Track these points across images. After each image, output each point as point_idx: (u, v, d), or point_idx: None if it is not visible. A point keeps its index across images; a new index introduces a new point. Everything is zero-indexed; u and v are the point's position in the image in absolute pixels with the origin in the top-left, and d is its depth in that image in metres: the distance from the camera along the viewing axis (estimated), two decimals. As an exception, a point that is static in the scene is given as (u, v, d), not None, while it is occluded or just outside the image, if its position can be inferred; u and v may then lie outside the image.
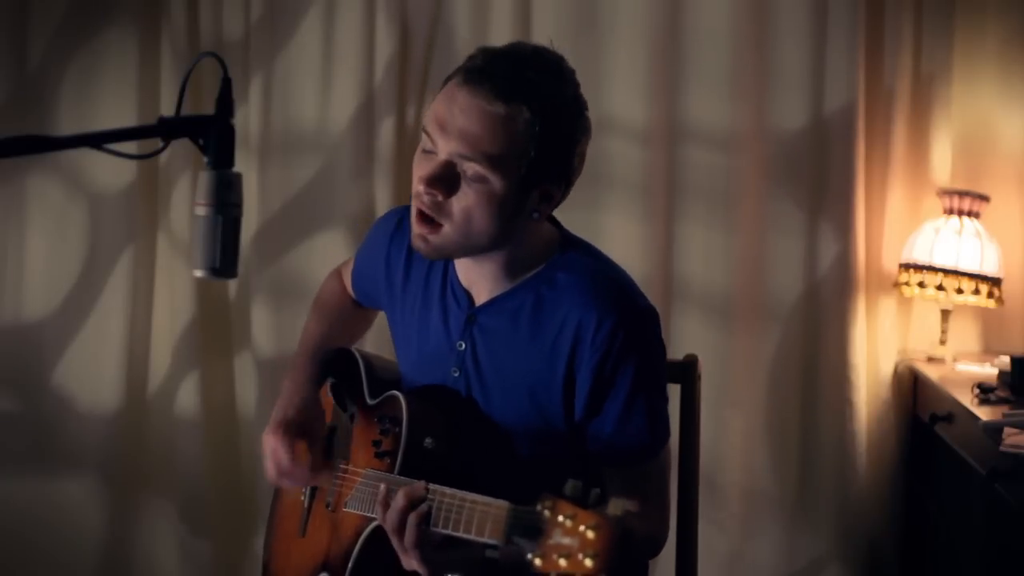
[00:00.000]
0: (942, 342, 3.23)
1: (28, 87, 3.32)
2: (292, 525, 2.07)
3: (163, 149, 1.47)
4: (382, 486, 1.73)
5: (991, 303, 3.15)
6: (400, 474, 1.81)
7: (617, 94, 3.27)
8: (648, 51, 3.25)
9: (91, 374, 3.36)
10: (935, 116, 3.24)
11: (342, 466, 1.98)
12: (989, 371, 3.00)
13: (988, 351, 3.28)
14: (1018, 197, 3.29)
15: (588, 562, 1.35)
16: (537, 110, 1.73)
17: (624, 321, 1.82)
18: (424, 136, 1.78)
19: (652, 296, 3.16)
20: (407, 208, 1.88)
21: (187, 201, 3.31)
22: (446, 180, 1.75)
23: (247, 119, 3.33)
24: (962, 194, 3.18)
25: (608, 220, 3.25)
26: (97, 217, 3.35)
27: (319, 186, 3.36)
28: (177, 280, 3.38)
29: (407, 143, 3.30)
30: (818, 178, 3.26)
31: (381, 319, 2.30)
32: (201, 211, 1.44)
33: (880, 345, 3.27)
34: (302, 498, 2.06)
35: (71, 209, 3.35)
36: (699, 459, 2.19)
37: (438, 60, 3.29)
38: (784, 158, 3.26)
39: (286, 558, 2.07)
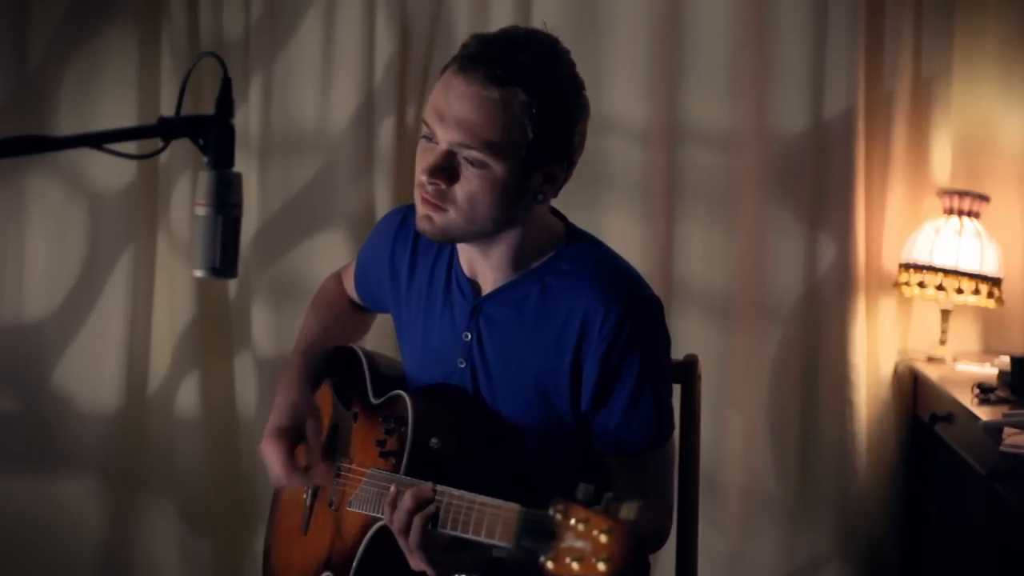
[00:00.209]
0: (942, 342, 3.23)
1: (28, 87, 3.32)
2: (293, 524, 2.07)
3: (163, 149, 1.47)
4: (392, 487, 1.73)
5: (991, 303, 3.15)
6: (406, 474, 1.80)
7: (617, 94, 3.27)
8: (648, 51, 3.25)
9: (91, 374, 3.36)
10: (935, 116, 3.24)
11: (345, 465, 1.98)
12: (989, 371, 3.00)
13: (988, 351, 3.28)
14: (1018, 197, 3.29)
15: (601, 566, 1.34)
16: (533, 92, 1.74)
17: (630, 311, 1.83)
18: (424, 127, 1.80)
19: (655, 296, 3.19)
20: (410, 207, 1.89)
21: (187, 201, 3.31)
22: (448, 169, 1.77)
23: (247, 119, 3.33)
24: (962, 194, 3.18)
25: (608, 220, 3.25)
26: (97, 217, 3.35)
27: (319, 186, 3.36)
28: (177, 280, 3.38)
29: (407, 143, 3.30)
30: (818, 178, 3.26)
31: (380, 320, 2.30)
32: (201, 211, 1.44)
33: (880, 345, 3.27)
34: (304, 497, 2.06)
35: (71, 209, 3.35)
36: (699, 459, 2.19)
37: (438, 59, 3.29)
38: (784, 158, 3.26)
39: (287, 557, 2.07)
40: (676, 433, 2.14)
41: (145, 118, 3.29)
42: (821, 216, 3.26)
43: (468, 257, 1.91)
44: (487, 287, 1.91)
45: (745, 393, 3.28)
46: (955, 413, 2.78)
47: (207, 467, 3.38)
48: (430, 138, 1.79)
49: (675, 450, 1.94)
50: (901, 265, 3.22)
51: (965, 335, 3.31)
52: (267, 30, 3.35)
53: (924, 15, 3.23)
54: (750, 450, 3.29)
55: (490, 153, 1.74)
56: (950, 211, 3.19)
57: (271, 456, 1.96)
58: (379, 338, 2.63)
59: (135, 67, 3.33)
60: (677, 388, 2.18)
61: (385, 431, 1.90)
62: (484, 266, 1.90)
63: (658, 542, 1.90)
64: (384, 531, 1.74)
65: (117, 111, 3.31)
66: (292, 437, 1.97)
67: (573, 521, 1.38)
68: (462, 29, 3.27)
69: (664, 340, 1.90)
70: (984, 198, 3.20)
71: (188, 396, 3.36)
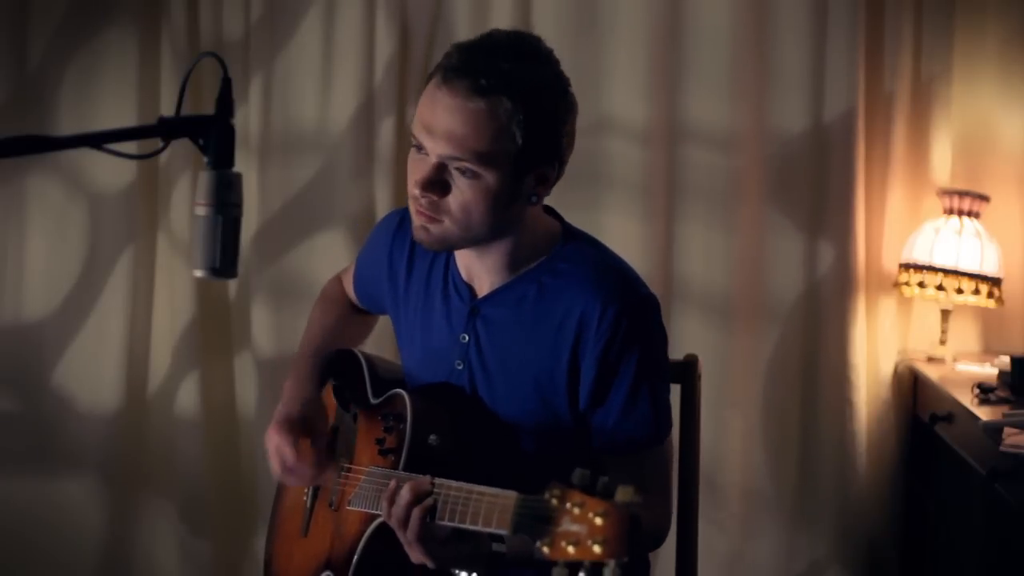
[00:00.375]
0: (942, 342, 3.23)
1: (28, 87, 3.32)
2: (294, 525, 2.07)
3: (163, 149, 1.47)
4: (392, 481, 1.74)
5: (991, 303, 3.15)
6: (405, 471, 1.81)
7: (617, 94, 3.27)
8: (648, 51, 3.25)
9: (91, 374, 3.36)
10: (935, 116, 3.24)
11: (345, 465, 1.98)
12: (989, 371, 3.00)
13: (988, 351, 3.28)
14: (1018, 197, 3.29)
15: (597, 548, 1.35)
16: (518, 98, 1.74)
17: (627, 309, 1.83)
18: (413, 139, 1.80)
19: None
20: (408, 209, 1.89)
21: (187, 201, 3.31)
22: (439, 182, 1.77)
23: (247, 119, 3.33)
24: (962, 194, 3.18)
25: (608, 220, 3.25)
26: (97, 217, 3.35)
27: (319, 186, 3.36)
28: (177, 280, 3.38)
29: (407, 143, 3.28)
30: (818, 178, 3.26)
31: (381, 323, 2.30)
32: (201, 211, 1.44)
33: (880, 345, 3.27)
34: (304, 498, 2.06)
35: (71, 209, 3.35)
36: (699, 459, 2.19)
37: (438, 60, 3.27)
38: (784, 158, 3.26)
39: (288, 558, 2.07)
40: (676, 433, 2.14)
41: (145, 118, 3.29)
42: (821, 216, 3.26)
43: (465, 260, 1.92)
44: (484, 289, 1.91)
45: (745, 393, 3.28)
46: (955, 413, 2.78)
47: (207, 467, 3.38)
48: (420, 148, 1.79)
49: (673, 448, 1.94)
50: (901, 265, 3.22)
51: (965, 335, 3.31)
52: (267, 30, 3.35)
53: (924, 15, 3.23)
54: (750, 450, 3.29)
55: (480, 163, 1.75)
56: (950, 211, 3.19)
57: (277, 444, 1.96)
58: (379, 340, 2.63)
59: (135, 67, 3.33)
60: (677, 388, 2.18)
61: (384, 429, 1.90)
62: (481, 269, 1.90)
63: (656, 541, 1.90)
64: (383, 528, 1.74)
65: (117, 111, 3.31)
66: (299, 430, 1.97)
67: (569, 505, 1.39)
68: (462, 29, 3.27)
69: (661, 338, 1.90)
70: (984, 198, 3.20)
71: (188, 396, 3.36)
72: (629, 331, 1.83)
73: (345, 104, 3.33)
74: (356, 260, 2.18)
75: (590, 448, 1.89)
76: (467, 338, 1.91)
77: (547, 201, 1.98)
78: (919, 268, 3.17)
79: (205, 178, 1.45)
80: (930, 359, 3.23)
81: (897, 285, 3.23)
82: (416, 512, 1.67)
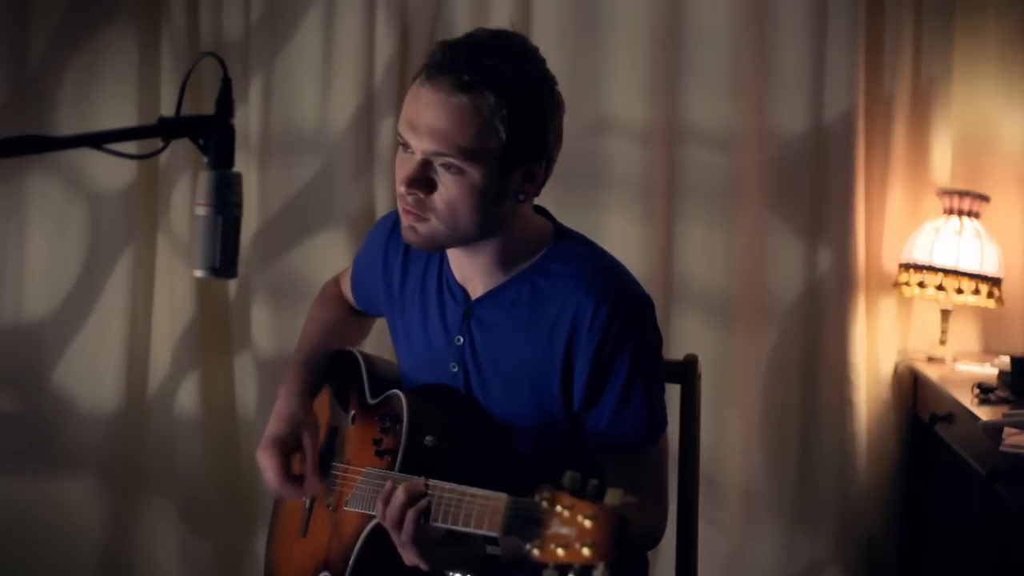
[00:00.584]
0: (942, 342, 3.23)
1: (28, 87, 3.32)
2: (293, 525, 2.07)
3: (163, 149, 1.47)
4: (388, 483, 1.74)
5: (991, 303, 3.15)
6: (401, 472, 1.81)
7: (617, 94, 3.27)
8: (648, 51, 3.25)
9: (91, 374, 3.36)
10: (935, 116, 3.24)
11: (343, 466, 1.98)
12: (989, 371, 3.00)
13: (988, 351, 3.28)
14: (1018, 197, 3.29)
15: (586, 551, 1.36)
16: (501, 94, 1.74)
17: (620, 309, 1.83)
18: (399, 137, 1.80)
19: (652, 296, 3.18)
20: None
21: (187, 201, 3.31)
22: (425, 179, 1.77)
23: (247, 119, 3.33)
24: (962, 194, 3.18)
25: (608, 220, 3.25)
26: (97, 217, 3.35)
27: (319, 186, 3.36)
28: (177, 280, 3.38)
29: (405, 144, 3.30)
30: (818, 178, 3.26)
31: (380, 324, 2.30)
32: (201, 211, 1.44)
33: (880, 345, 3.27)
34: (303, 499, 2.06)
35: (71, 209, 3.35)
36: (699, 459, 2.19)
37: (438, 60, 3.28)
38: (784, 158, 3.26)
39: (288, 559, 2.07)
40: (676, 433, 2.15)
41: (145, 118, 3.29)
42: (821, 216, 3.26)
43: (458, 262, 1.92)
44: (477, 291, 1.91)
45: (745, 393, 3.28)
46: (955, 413, 2.78)
47: (207, 467, 3.38)
48: (406, 147, 1.79)
49: (668, 447, 1.93)
50: (901, 265, 3.22)
51: (965, 335, 3.31)
52: (267, 30, 3.35)
53: (924, 15, 3.23)
54: (750, 450, 3.29)
55: (465, 159, 1.75)
56: (950, 211, 3.19)
57: (267, 465, 1.97)
58: (379, 340, 2.63)
59: (135, 67, 3.33)
60: (677, 388, 2.18)
61: (381, 430, 1.90)
62: (473, 270, 1.90)
63: (652, 539, 1.90)
64: (380, 529, 1.74)
65: (117, 111, 3.31)
66: (289, 447, 1.98)
67: (559, 508, 1.39)
68: (462, 29, 3.23)
69: (654, 337, 1.90)
70: (984, 198, 3.20)
71: (188, 396, 3.36)
72: (622, 330, 1.82)
73: (345, 104, 3.33)
74: (353, 262, 2.18)
75: (585, 448, 1.88)
76: (462, 340, 1.91)
77: (546, 201, 1.98)
78: (919, 268, 3.17)
79: (205, 178, 1.45)
80: (930, 359, 3.23)
81: (897, 285, 3.23)
82: (410, 514, 1.67)
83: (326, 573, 1.90)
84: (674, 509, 2.10)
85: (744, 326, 3.28)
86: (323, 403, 2.10)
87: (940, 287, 3.15)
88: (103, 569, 3.36)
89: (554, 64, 3.30)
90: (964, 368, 3.14)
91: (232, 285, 3.39)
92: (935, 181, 3.25)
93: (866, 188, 3.24)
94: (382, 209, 3.27)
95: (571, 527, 1.38)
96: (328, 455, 2.03)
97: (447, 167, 1.76)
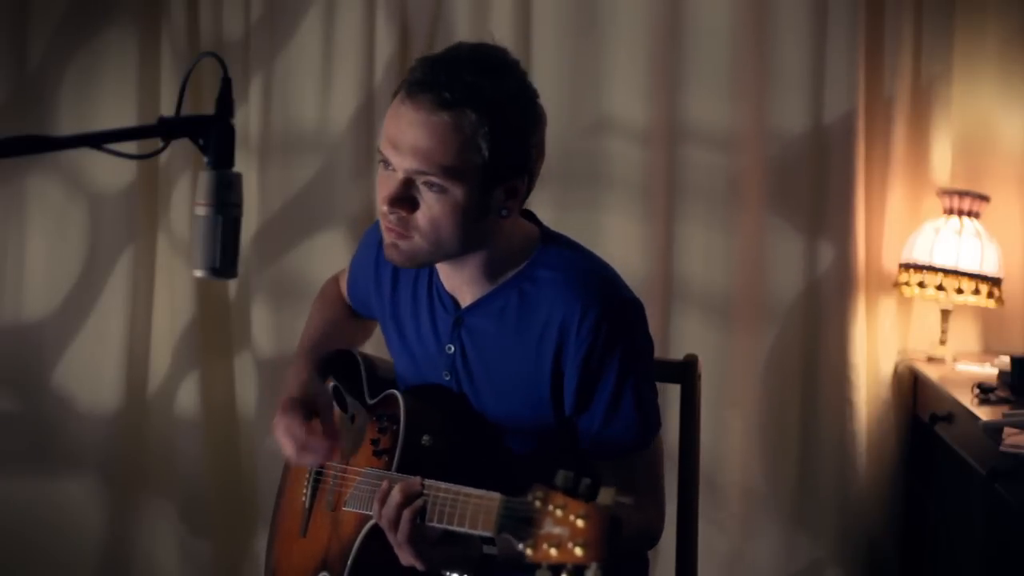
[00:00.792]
0: (942, 342, 3.23)
1: (28, 87, 3.32)
2: (294, 525, 2.07)
3: (163, 149, 1.47)
4: (384, 483, 1.74)
5: (991, 303, 3.15)
6: (398, 471, 1.81)
7: (617, 94, 3.27)
8: (648, 51, 3.25)
9: (91, 374, 3.36)
10: (935, 116, 3.24)
11: (342, 466, 1.98)
12: (989, 371, 3.00)
13: (988, 351, 3.28)
14: (1018, 197, 3.29)
15: (578, 551, 1.36)
16: (482, 111, 1.73)
17: (607, 313, 1.82)
18: (380, 155, 1.79)
19: (652, 296, 3.20)
20: None
21: (187, 201, 3.31)
22: (407, 198, 1.76)
23: (247, 119, 3.33)
24: (962, 194, 3.18)
25: (608, 220, 3.25)
26: (97, 217, 3.35)
27: (319, 186, 3.36)
28: (177, 280, 3.38)
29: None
30: (818, 178, 3.26)
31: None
32: (201, 211, 1.44)
33: (880, 345, 3.27)
34: (303, 498, 2.06)
35: (71, 209, 3.35)
36: (699, 459, 2.19)
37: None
38: (784, 158, 3.26)
39: (288, 558, 2.07)
40: (676, 433, 2.15)
41: (145, 118, 3.29)
42: (821, 216, 3.26)
43: (445, 272, 1.91)
44: (466, 300, 1.91)
45: (745, 393, 3.28)
46: (955, 413, 2.78)
47: (207, 467, 3.38)
48: (387, 165, 1.78)
49: (664, 448, 1.93)
50: (901, 265, 3.22)
51: (965, 335, 3.31)
52: (267, 30, 3.35)
53: (924, 15, 3.23)
54: (750, 450, 3.29)
55: (447, 177, 1.73)
56: (950, 211, 3.19)
57: (287, 424, 1.94)
58: (380, 341, 2.63)
59: (135, 67, 3.33)
60: (677, 388, 2.18)
61: (379, 430, 1.91)
62: (460, 280, 1.90)
63: (649, 540, 1.90)
64: (379, 529, 1.74)
65: (117, 111, 3.31)
66: (305, 409, 1.97)
67: (551, 507, 1.39)
68: (462, 29, 3.27)
69: (644, 340, 1.89)
70: (984, 198, 3.20)
71: (188, 396, 3.36)
72: (610, 335, 1.82)
73: (345, 104, 3.33)
74: (350, 264, 2.18)
75: (579, 451, 1.88)
76: (452, 348, 1.91)
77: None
78: (919, 268, 3.17)
79: (205, 178, 1.45)
80: (930, 359, 3.23)
81: (897, 285, 3.23)
82: (406, 513, 1.67)
83: (325, 573, 1.91)
84: (674, 509, 2.10)
85: (744, 326, 3.28)
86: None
87: (940, 287, 3.15)
88: (103, 569, 3.37)
89: (554, 64, 3.35)
90: (964, 368, 3.14)
91: (232, 285, 3.40)
92: (935, 181, 3.25)
93: (866, 188, 3.24)
94: (382, 209, 3.26)
95: (564, 527, 1.38)
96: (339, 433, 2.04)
97: (429, 185, 1.75)
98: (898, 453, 3.27)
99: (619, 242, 3.20)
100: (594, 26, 3.28)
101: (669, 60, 3.26)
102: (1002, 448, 2.35)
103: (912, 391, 3.25)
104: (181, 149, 3.05)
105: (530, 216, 1.95)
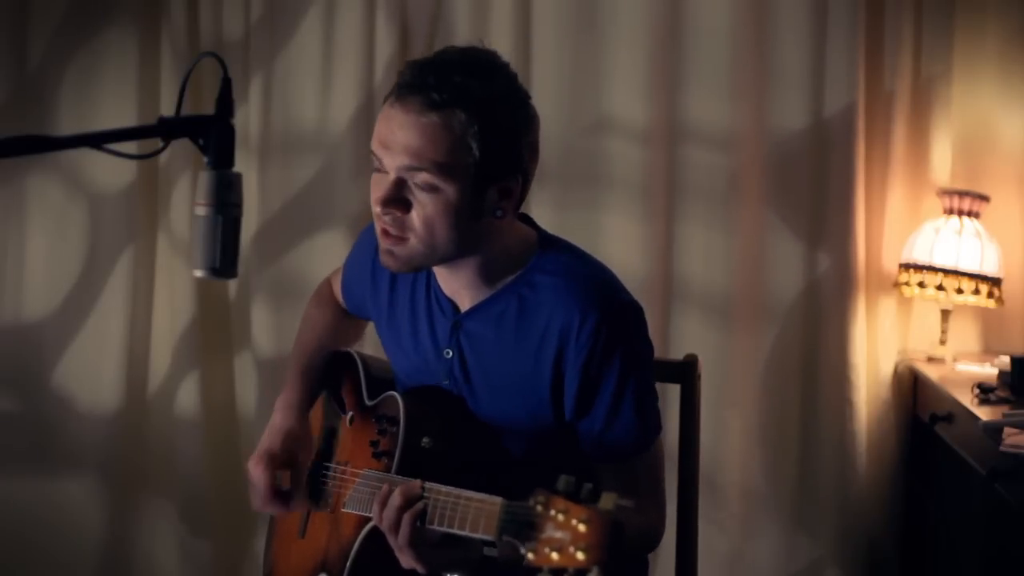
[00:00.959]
0: (942, 342, 3.23)
1: (28, 87, 3.32)
2: (292, 526, 2.07)
3: (163, 149, 1.47)
4: (384, 486, 1.74)
5: (991, 303, 3.15)
6: (398, 474, 1.81)
7: (617, 94, 3.27)
8: (648, 51, 3.25)
9: (91, 374, 3.36)
10: (935, 116, 3.24)
11: (341, 467, 1.98)
12: (989, 371, 3.00)
13: (988, 351, 3.28)
14: (1018, 197, 3.29)
15: (580, 555, 1.36)
16: (472, 110, 1.73)
17: (607, 317, 1.82)
18: (373, 158, 1.79)
19: (652, 296, 3.20)
20: None
21: (187, 201, 3.31)
22: (400, 198, 1.76)
23: (247, 119, 3.33)
24: (962, 194, 3.18)
25: (608, 220, 3.25)
26: (97, 217, 3.35)
27: (319, 186, 3.36)
28: (177, 280, 3.38)
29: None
30: (818, 178, 3.26)
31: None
32: (201, 211, 1.44)
33: (880, 345, 3.27)
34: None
35: (71, 209, 3.35)
36: (699, 459, 2.19)
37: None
38: (784, 158, 3.26)
39: (286, 559, 2.07)
40: (676, 433, 2.15)
41: (145, 118, 3.29)
42: (821, 216, 3.26)
43: (443, 276, 1.91)
44: (465, 304, 1.90)
45: (745, 393, 3.28)
46: (955, 413, 2.78)
47: (207, 467, 3.38)
48: (380, 167, 1.78)
49: (664, 451, 1.93)
50: (901, 265, 3.22)
51: (965, 335, 3.31)
52: (267, 30, 3.35)
53: (924, 15, 3.23)
54: (750, 450, 3.29)
55: (439, 174, 1.73)
56: (950, 211, 3.19)
57: (257, 479, 1.97)
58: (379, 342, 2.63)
59: (135, 67, 3.33)
60: (677, 388, 2.18)
61: (378, 431, 1.90)
62: (457, 285, 1.89)
63: (650, 542, 1.90)
64: (378, 530, 1.74)
65: (117, 111, 3.31)
66: (280, 463, 1.98)
67: (553, 512, 1.39)
68: (462, 29, 3.27)
69: (643, 344, 1.89)
70: (984, 198, 3.20)
71: (188, 396, 3.36)
72: (610, 340, 1.81)
73: (345, 104, 3.33)
74: (343, 267, 2.17)
75: (579, 452, 1.88)
76: (451, 353, 1.91)
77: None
78: (919, 268, 3.17)
79: (205, 178, 1.44)
80: (930, 359, 3.23)
81: (897, 285, 3.23)
82: (407, 517, 1.67)
83: (324, 574, 1.90)
84: (674, 509, 2.10)
85: (744, 326, 3.28)
86: (318, 406, 2.10)
87: (940, 287, 3.15)
88: (103, 569, 3.36)
89: (554, 64, 3.35)
90: (964, 368, 3.14)
91: (232, 285, 3.40)
92: (935, 181, 3.25)
93: (866, 188, 3.24)
94: (382, 209, 3.26)
95: (565, 531, 1.38)
96: (325, 457, 2.03)
97: (421, 186, 1.75)
98: (898, 453, 3.27)
99: (619, 242, 3.20)
100: (594, 26, 3.28)
101: (669, 60, 3.26)
102: (1002, 448, 2.35)
103: (912, 391, 3.25)
104: (181, 149, 3.04)
105: (528, 221, 1.94)
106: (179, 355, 3.38)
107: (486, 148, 1.74)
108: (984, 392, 2.76)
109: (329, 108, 3.35)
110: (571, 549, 1.36)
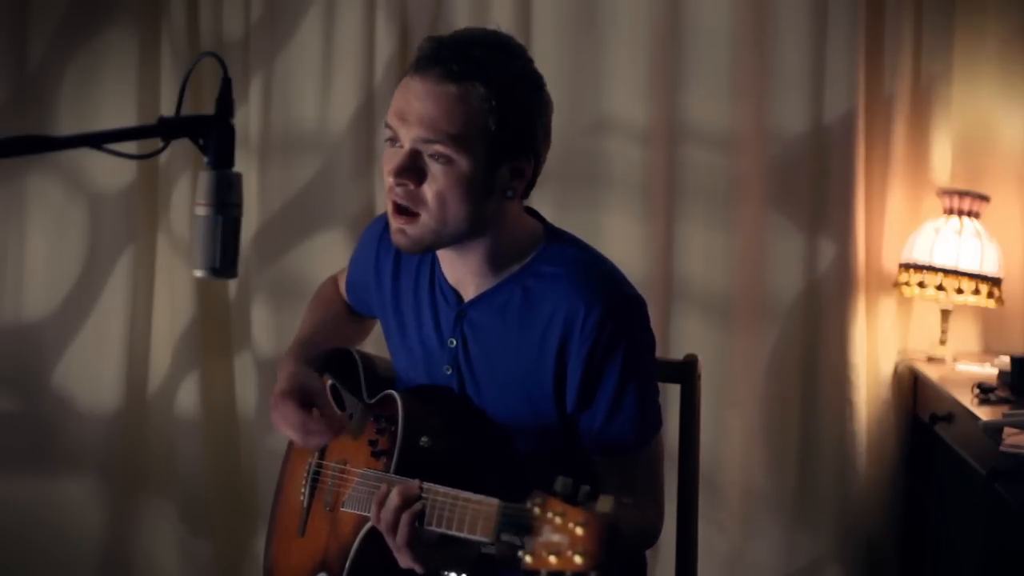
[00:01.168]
0: (942, 342, 3.23)
1: (28, 87, 3.33)
2: (292, 525, 2.07)
3: (163, 149, 1.47)
4: (383, 486, 1.74)
5: (991, 303, 3.15)
6: (396, 473, 1.81)
7: (617, 94, 3.27)
8: (648, 51, 3.25)
9: (91, 374, 3.36)
10: (935, 116, 3.24)
11: (340, 466, 1.98)
12: (989, 371, 3.00)
13: (988, 351, 3.28)
14: (1018, 197, 3.29)
15: (577, 559, 1.36)
16: (490, 85, 1.75)
17: (611, 310, 1.82)
18: (388, 130, 1.80)
19: (652, 296, 3.19)
20: None
21: (187, 201, 3.31)
22: (414, 169, 1.77)
23: (247, 119, 3.33)
24: (962, 194, 3.18)
25: (608, 220, 3.25)
26: (97, 217, 3.36)
27: (319, 186, 3.36)
28: (177, 280, 3.39)
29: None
30: (818, 178, 3.26)
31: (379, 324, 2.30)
32: (201, 211, 1.44)
33: (880, 345, 3.27)
34: (301, 498, 2.06)
35: (71, 209, 3.35)
36: (699, 459, 2.19)
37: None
38: (784, 158, 3.26)
39: (286, 558, 2.07)
40: (676, 433, 2.15)
41: (145, 118, 3.29)
42: (821, 216, 3.26)
43: (449, 263, 1.91)
44: (469, 293, 1.91)
45: (745, 393, 3.28)
46: (955, 413, 2.78)
47: (207, 467, 3.38)
48: (395, 141, 1.79)
49: (664, 447, 1.93)
50: (901, 265, 3.22)
51: (965, 335, 3.31)
52: (267, 30, 3.35)
53: (924, 15, 3.23)
54: (750, 450, 3.29)
55: (453, 146, 1.75)
56: (950, 211, 3.19)
57: (285, 414, 1.93)
58: (378, 341, 2.63)
59: (135, 67, 3.33)
60: (677, 388, 2.18)
61: (377, 431, 1.90)
62: (464, 272, 1.90)
63: (648, 539, 1.90)
64: (377, 530, 1.74)
65: (117, 111, 3.31)
66: (299, 399, 1.95)
67: (550, 515, 1.39)
68: (462, 29, 3.27)
69: (647, 338, 1.89)
70: (984, 198, 3.20)
71: (188, 396, 3.37)
72: (614, 332, 1.82)
73: (345, 104, 3.33)
74: (349, 264, 2.18)
75: (579, 447, 1.88)
76: (455, 343, 1.91)
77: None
78: (919, 268, 3.17)
79: (205, 178, 1.45)
80: (930, 359, 3.23)
81: (897, 285, 3.23)
82: (405, 517, 1.67)
83: (324, 574, 1.90)
84: (674, 509, 2.10)
85: (744, 326, 3.28)
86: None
87: (940, 287, 3.15)
88: (103, 569, 3.37)
89: (554, 64, 3.35)
90: (964, 368, 3.14)
91: (232, 285, 3.40)
92: (935, 181, 3.25)
93: (866, 188, 3.24)
94: (382, 209, 3.26)
95: (562, 534, 1.37)
96: (324, 455, 2.03)
97: (435, 157, 1.76)
98: (898, 453, 3.27)
99: (619, 242, 3.20)
100: (594, 26, 3.28)
101: (669, 60, 3.26)
102: (1002, 448, 2.35)
103: (912, 391, 3.25)
104: (181, 149, 3.04)
105: (535, 215, 1.95)
106: (179, 355, 3.38)
107: (502, 124, 1.76)
108: (984, 392, 2.76)
109: (329, 108, 3.35)
110: (569, 553, 1.36)
